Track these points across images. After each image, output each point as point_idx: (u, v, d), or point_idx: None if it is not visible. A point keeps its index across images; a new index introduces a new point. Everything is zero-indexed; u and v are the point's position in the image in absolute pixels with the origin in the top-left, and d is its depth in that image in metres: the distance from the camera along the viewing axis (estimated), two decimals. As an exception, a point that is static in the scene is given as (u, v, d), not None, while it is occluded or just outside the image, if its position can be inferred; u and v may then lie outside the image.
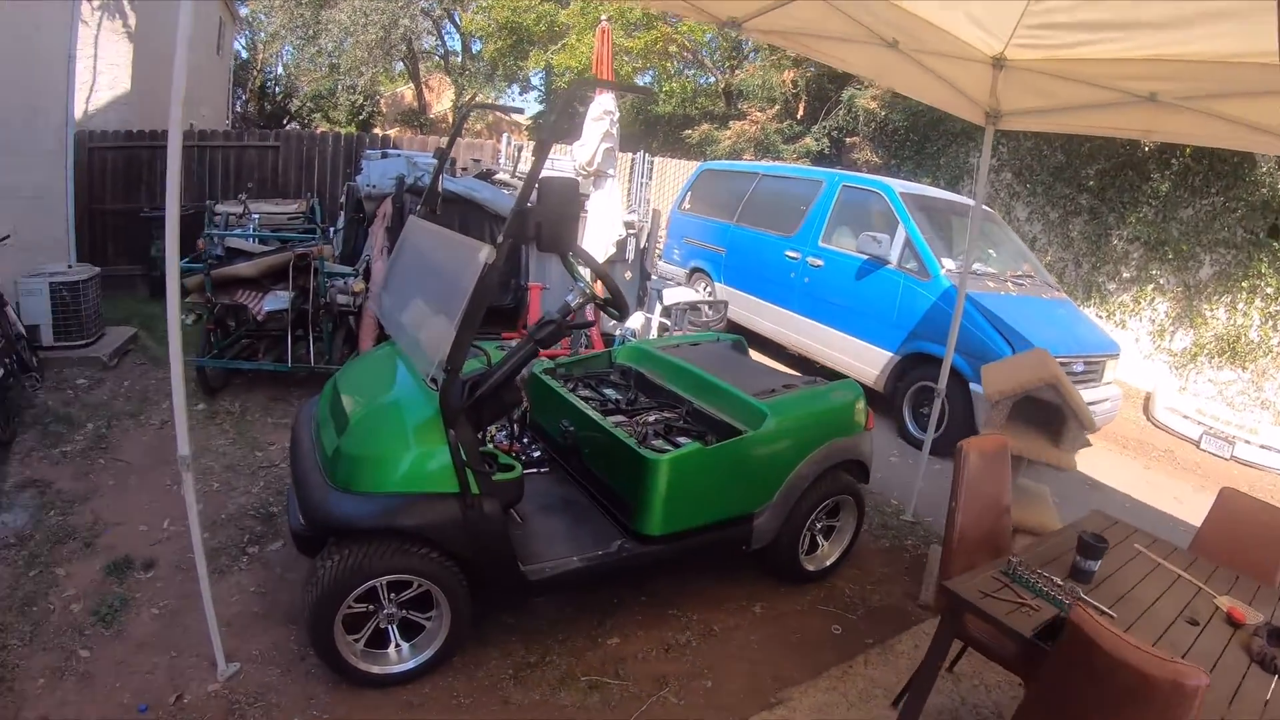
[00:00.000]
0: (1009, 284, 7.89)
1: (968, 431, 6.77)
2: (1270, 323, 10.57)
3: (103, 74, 12.65)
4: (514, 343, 3.39)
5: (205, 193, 12.00)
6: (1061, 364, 6.84)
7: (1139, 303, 11.93)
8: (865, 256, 8.07)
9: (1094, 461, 7.81)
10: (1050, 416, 4.71)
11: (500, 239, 2.73)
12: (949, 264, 7.59)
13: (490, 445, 4.07)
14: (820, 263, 8.70)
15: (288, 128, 31.60)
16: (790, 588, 4.55)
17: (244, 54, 31.26)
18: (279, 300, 6.36)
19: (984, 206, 9.63)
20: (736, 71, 20.95)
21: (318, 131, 16.06)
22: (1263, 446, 8.96)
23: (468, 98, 28.38)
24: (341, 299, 6.57)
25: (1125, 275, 12.09)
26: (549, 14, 22.27)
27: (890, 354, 7.75)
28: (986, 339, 6.92)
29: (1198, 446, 9.39)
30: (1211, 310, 11.12)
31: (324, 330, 6.65)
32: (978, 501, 3.43)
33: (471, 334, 2.82)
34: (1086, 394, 7.21)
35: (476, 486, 3.11)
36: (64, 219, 9.38)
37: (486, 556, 3.20)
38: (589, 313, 3.72)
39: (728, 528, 3.98)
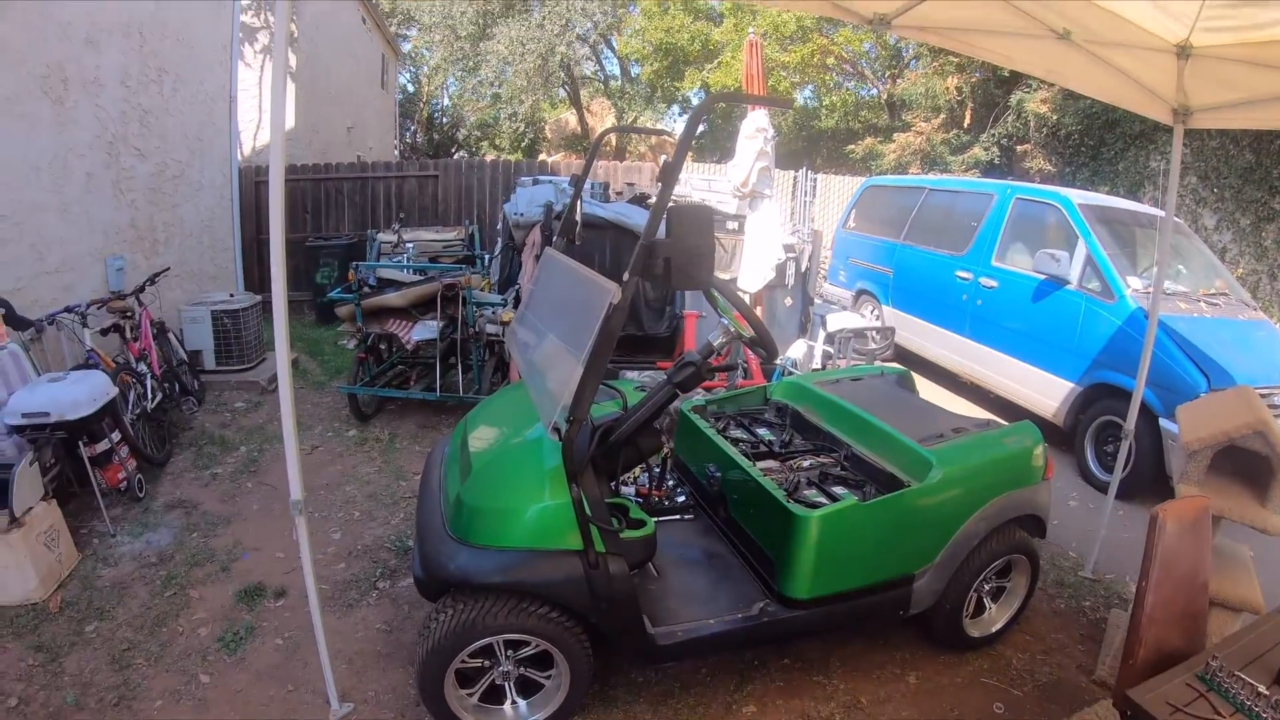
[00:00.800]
0: (1202, 304, 7.10)
1: (1156, 473, 6.19)
2: None
3: (267, 112, 13.31)
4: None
5: (368, 221, 12.47)
6: (1263, 395, 6.06)
7: None
8: (1042, 276, 7.43)
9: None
10: (1256, 468, 4.05)
11: (626, 276, 2.46)
12: (1135, 283, 6.90)
13: (631, 488, 3.80)
14: (994, 283, 8.10)
15: (455, 156, 32.85)
16: (950, 655, 4.06)
17: (410, 88, 32.62)
18: (428, 330, 6.37)
19: (1173, 217, 8.89)
20: (898, 81, 20.25)
21: (485, 159, 16.42)
22: None
23: (629, 120, 28.62)
24: (490, 329, 6.54)
25: None
26: (702, 33, 22.20)
27: (1071, 384, 7.09)
28: (1179, 369, 6.19)
29: None
30: None
31: (474, 359, 6.60)
32: (1172, 579, 2.86)
33: (598, 379, 2.57)
34: None
35: (601, 544, 2.87)
36: (231, 249, 9.83)
37: (611, 619, 2.94)
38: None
39: (884, 591, 3.53)
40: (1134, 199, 13.14)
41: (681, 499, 4.17)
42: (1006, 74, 15.71)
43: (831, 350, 7.11)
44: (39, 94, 6.13)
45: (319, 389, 7.64)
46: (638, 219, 7.12)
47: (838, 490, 3.61)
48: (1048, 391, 7.35)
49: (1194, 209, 12.66)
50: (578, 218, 4.01)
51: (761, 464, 3.77)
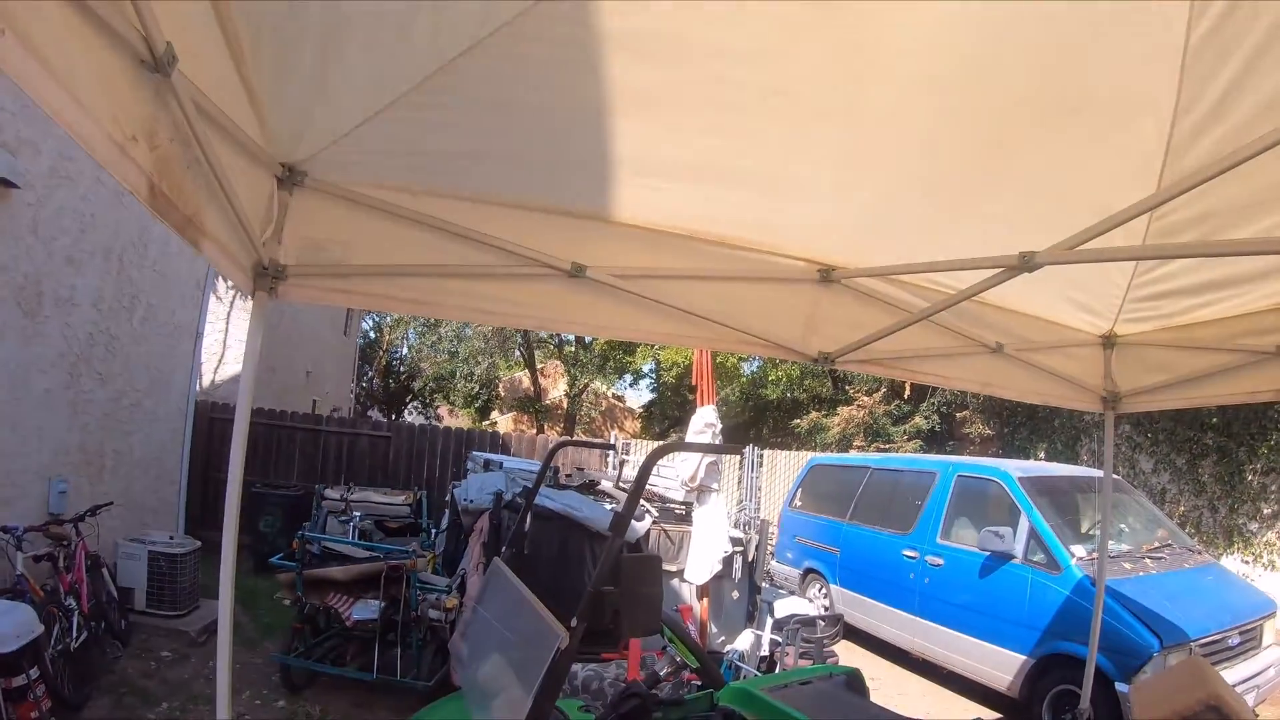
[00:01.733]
0: (1146, 560, 7.27)
1: None
2: None
3: (231, 348, 13.52)
4: (614, 664, 3.03)
5: (318, 473, 12.37)
6: (1214, 641, 6.33)
7: None
8: (988, 552, 7.54)
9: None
10: None
11: (574, 622, 2.47)
12: (1080, 551, 7.03)
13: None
14: (940, 561, 8.18)
15: (410, 406, 33.17)
16: None
17: (372, 334, 33.37)
18: (368, 609, 6.17)
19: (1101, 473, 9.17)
20: (843, 357, 21.14)
21: (439, 424, 16.47)
22: None
23: (580, 386, 29.27)
24: (433, 614, 6.34)
25: (1266, 511, 11.29)
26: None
27: (1023, 656, 7.02)
28: (1130, 633, 6.22)
29: None
30: None
31: (414, 642, 6.37)
32: None
33: (543, 724, 2.50)
34: (1245, 667, 6.54)
35: None
36: (177, 484, 9.72)
37: None
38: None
39: None
40: (1071, 453, 13.61)
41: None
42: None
43: (779, 639, 7.00)
44: (12, 303, 6.21)
45: (250, 647, 7.28)
46: (588, 512, 7.08)
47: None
48: (1000, 665, 7.27)
49: (1130, 455, 13.03)
50: (527, 523, 4.03)
51: None
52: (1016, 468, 8.24)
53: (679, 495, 8.00)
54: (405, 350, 33.87)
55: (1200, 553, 8.08)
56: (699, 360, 7.33)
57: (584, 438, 17.58)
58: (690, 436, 7.13)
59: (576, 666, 6.30)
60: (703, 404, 7.15)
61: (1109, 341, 4.27)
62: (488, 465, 9.17)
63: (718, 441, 7.13)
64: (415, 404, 33.40)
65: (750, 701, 4.43)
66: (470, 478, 8.20)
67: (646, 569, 2.50)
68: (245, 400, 2.58)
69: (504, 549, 4.09)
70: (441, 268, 2.85)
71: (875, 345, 3.62)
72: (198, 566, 7.70)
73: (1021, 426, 15.27)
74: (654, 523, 7.39)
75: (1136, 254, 2.94)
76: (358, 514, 8.58)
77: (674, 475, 8.24)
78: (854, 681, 5.01)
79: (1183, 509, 12.02)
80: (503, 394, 33.28)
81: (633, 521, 7.29)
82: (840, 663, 7.44)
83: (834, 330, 3.61)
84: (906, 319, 3.42)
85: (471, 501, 7.31)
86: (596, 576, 2.48)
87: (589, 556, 6.99)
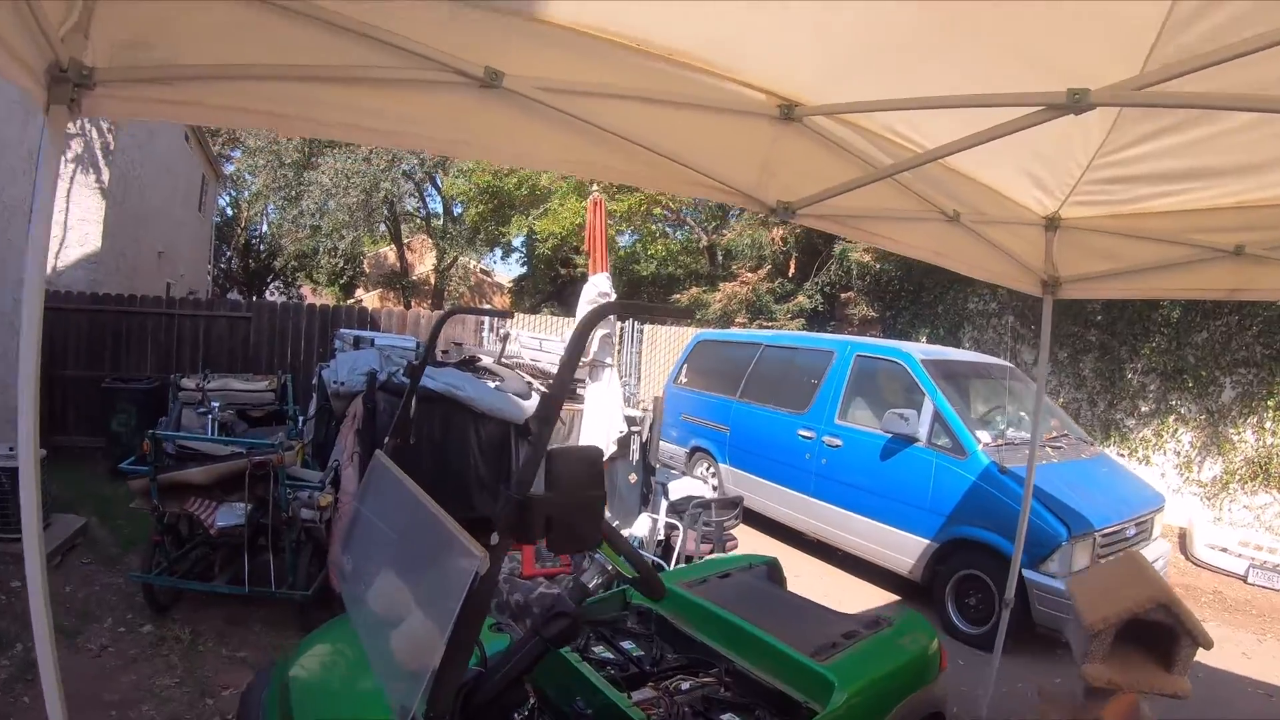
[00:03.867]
0: (1047, 449, 7.22)
1: (1022, 623, 6.07)
2: None
3: (72, 229, 12.23)
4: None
5: (173, 363, 11.32)
6: (1114, 532, 6.42)
7: (1161, 436, 11.46)
8: (890, 435, 7.36)
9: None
10: (1155, 635, 3.88)
11: (495, 539, 1.91)
12: (984, 437, 6.94)
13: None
14: (838, 442, 7.97)
15: (271, 286, 31.58)
16: None
17: (230, 211, 31.46)
18: (234, 514, 5.46)
19: (1003, 362, 9.14)
20: (724, 232, 20.72)
21: (305, 302, 15.45)
22: None
23: (449, 261, 28.23)
24: (306, 514, 5.65)
25: (1144, 409, 11.63)
26: (530, 178, 22.11)
27: (926, 541, 6.96)
28: (1039, 522, 6.18)
29: (1245, 581, 8.92)
30: (1239, 434, 10.70)
31: (287, 547, 5.69)
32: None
33: (465, 661, 1.98)
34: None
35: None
36: (13, 387, 8.62)
37: None
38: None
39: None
40: (954, 340, 13.74)
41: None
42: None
43: (677, 523, 6.67)
44: None
45: (110, 566, 6.53)
46: (471, 391, 6.48)
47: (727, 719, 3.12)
48: (901, 549, 7.20)
49: (1014, 346, 13.24)
50: (411, 414, 3.43)
51: (636, 694, 3.22)
52: (918, 350, 8.05)
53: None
54: (265, 227, 31.96)
55: (1092, 444, 8.14)
56: (592, 222, 6.64)
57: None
58: (582, 306, 6.54)
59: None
60: (595, 271, 6.52)
61: (1052, 223, 4.06)
62: (358, 343, 8.38)
63: (612, 316, 6.55)
64: (277, 284, 31.96)
65: (669, 599, 4.04)
66: (339, 357, 7.40)
67: (586, 468, 1.95)
68: (36, 271, 1.82)
69: (386, 439, 3.45)
70: (311, 70, 2.10)
71: (835, 201, 3.17)
72: (45, 478, 6.72)
73: (905, 310, 15.32)
74: None
75: (1198, 101, 2.45)
76: (216, 404, 7.78)
77: (558, 344, 7.72)
78: (775, 572, 4.70)
79: (1062, 401, 12.26)
80: (368, 270, 32.05)
81: (519, 400, 6.76)
82: (739, 547, 7.22)
83: (791, 180, 3.14)
84: (871, 174, 3.02)
85: (342, 384, 6.53)
86: (519, 477, 1.92)
87: (474, 441, 6.45)
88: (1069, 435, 7.80)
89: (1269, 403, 10.39)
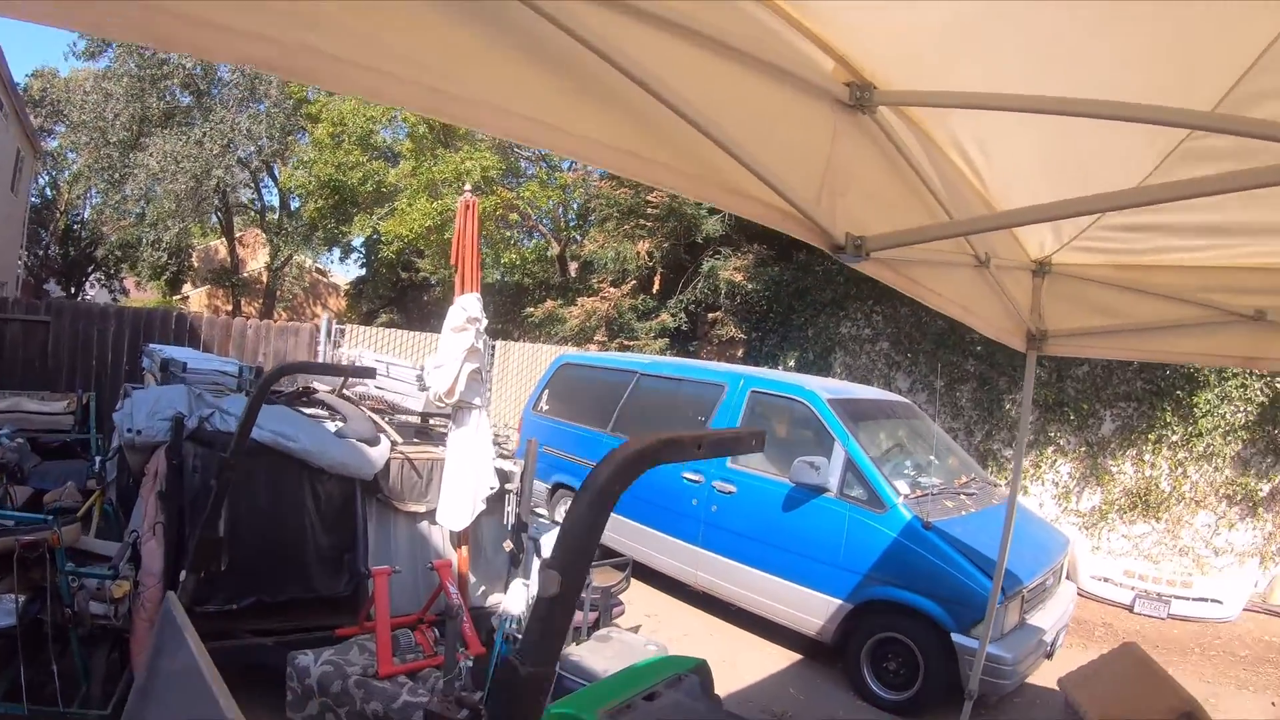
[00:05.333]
0: (963, 498, 6.64)
1: (949, 688, 5.55)
2: (1180, 469, 10.34)
3: None
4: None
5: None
6: (1037, 586, 6.06)
7: (1039, 467, 11.38)
8: (795, 484, 6.54)
9: (1050, 677, 6.44)
10: None
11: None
12: (904, 488, 6.24)
13: None
14: (731, 489, 7.08)
15: (92, 278, 28.69)
16: None
17: (49, 193, 28.49)
18: (2, 611, 4.03)
19: (903, 399, 8.58)
20: (585, 243, 19.51)
21: (129, 288, 13.54)
22: (1198, 599, 8.58)
23: (284, 257, 26.24)
24: (97, 608, 4.22)
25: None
26: (375, 173, 20.41)
27: (839, 601, 6.20)
28: (970, 582, 5.55)
29: (1131, 611, 8.89)
30: (1118, 465, 10.81)
31: (75, 651, 4.24)
32: None
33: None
34: (1054, 606, 6.41)
35: None
36: None
37: None
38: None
39: None
40: (825, 365, 13.48)
41: None
42: (699, 239, 15.55)
43: (554, 588, 5.58)
44: None
45: None
46: (306, 442, 5.09)
47: None
48: (808, 608, 6.44)
49: (888, 373, 12.95)
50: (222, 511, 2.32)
51: None
52: (821, 387, 7.25)
53: (416, 404, 6.28)
54: (87, 213, 28.89)
55: (998, 485, 7.67)
56: (462, 228, 5.34)
57: (306, 336, 14.44)
58: (447, 330, 5.22)
59: (308, 659, 4.61)
60: (464, 290, 5.30)
61: (1041, 268, 3.58)
62: (166, 368, 6.54)
63: (481, 342, 5.30)
64: (98, 275, 28.87)
65: None
66: (135, 396, 5.40)
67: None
68: None
69: (187, 562, 2.28)
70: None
71: (916, 250, 2.39)
72: None
73: (773, 332, 14.75)
74: (394, 447, 5.62)
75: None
76: (4, 431, 6.25)
77: (408, 372, 6.49)
78: (706, 681, 3.72)
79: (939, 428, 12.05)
80: (197, 265, 29.47)
81: (365, 449, 5.51)
82: (625, 610, 6.30)
83: (859, 204, 2.16)
84: (947, 225, 2.33)
85: (139, 433, 4.92)
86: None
87: (311, 504, 5.19)
88: (977, 479, 7.25)
89: (1149, 436, 10.48)
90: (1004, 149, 2.35)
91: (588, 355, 11.77)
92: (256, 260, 31.29)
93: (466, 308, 5.24)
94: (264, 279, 28.16)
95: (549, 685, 1.21)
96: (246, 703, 4.61)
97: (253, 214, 28.20)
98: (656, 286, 17.18)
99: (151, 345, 8.50)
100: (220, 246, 29.46)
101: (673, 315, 15.89)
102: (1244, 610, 8.76)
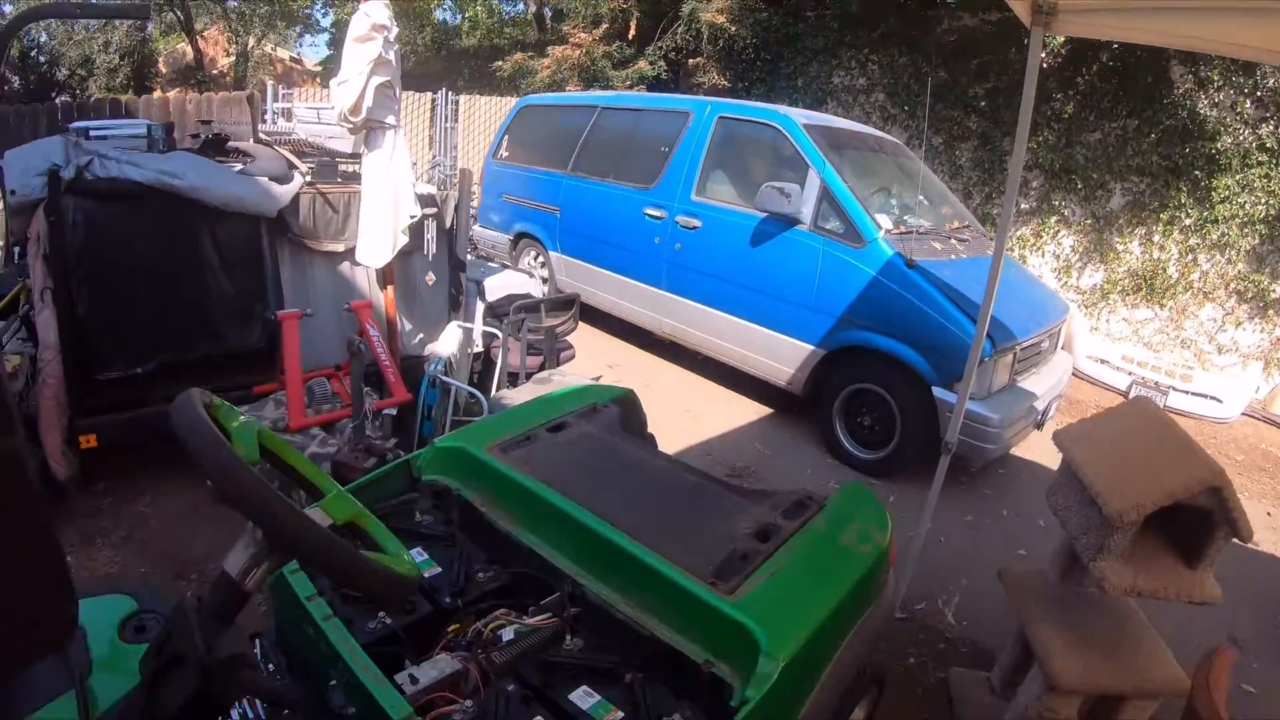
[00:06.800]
0: (953, 241, 5.99)
1: (927, 448, 4.96)
2: (1190, 256, 9.59)
3: None
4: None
5: None
6: (1032, 345, 5.51)
7: (1040, 237, 10.67)
8: (764, 214, 5.84)
9: (1040, 450, 6.26)
10: (1178, 520, 2.63)
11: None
12: (885, 222, 5.54)
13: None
14: (696, 223, 6.41)
15: (58, 100, 27.11)
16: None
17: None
18: None
19: (891, 137, 7.79)
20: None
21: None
22: (1197, 394, 8.19)
23: (244, 45, 24.50)
24: None
25: (1024, 206, 10.73)
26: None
27: (810, 347, 5.65)
28: (957, 329, 4.92)
29: (1126, 397, 8.33)
30: (1124, 244, 10.04)
31: None
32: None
33: None
34: (1049, 372, 5.87)
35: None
36: None
37: None
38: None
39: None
40: (818, 113, 12.38)
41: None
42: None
43: (497, 332, 5.03)
44: None
45: None
46: (195, 178, 4.28)
47: (584, 700, 1.73)
48: (778, 355, 5.93)
49: (883, 126, 11.93)
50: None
51: (424, 668, 1.71)
52: (798, 113, 6.45)
53: (346, 146, 5.52)
54: (44, 37, 26.91)
55: (991, 238, 6.85)
56: None
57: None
58: (350, 45, 4.37)
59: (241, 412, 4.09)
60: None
61: None
62: (67, 131, 5.66)
63: (394, 54, 4.42)
64: (64, 98, 27.27)
65: (475, 472, 2.36)
66: (8, 155, 4.49)
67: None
68: None
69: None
70: None
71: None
72: None
73: (760, 82, 13.68)
74: (307, 183, 4.85)
75: None
76: None
77: (331, 112, 5.67)
78: (630, 413, 3.18)
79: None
80: (164, 70, 27.67)
81: (270, 185, 4.77)
82: (575, 356, 5.78)
83: None
84: None
85: (13, 193, 4.21)
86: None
87: (210, 249, 4.51)
88: (970, 227, 6.57)
89: (1161, 215, 9.68)
90: None
91: (548, 95, 10.85)
92: (231, 57, 29.38)
93: (371, 13, 4.33)
94: (232, 73, 26.40)
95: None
96: (166, 471, 3.95)
97: (209, 6, 26.08)
98: (633, 33, 15.87)
99: (72, 124, 7.55)
100: (188, 50, 27.49)
101: (651, 63, 14.75)
102: (1242, 414, 8.35)
